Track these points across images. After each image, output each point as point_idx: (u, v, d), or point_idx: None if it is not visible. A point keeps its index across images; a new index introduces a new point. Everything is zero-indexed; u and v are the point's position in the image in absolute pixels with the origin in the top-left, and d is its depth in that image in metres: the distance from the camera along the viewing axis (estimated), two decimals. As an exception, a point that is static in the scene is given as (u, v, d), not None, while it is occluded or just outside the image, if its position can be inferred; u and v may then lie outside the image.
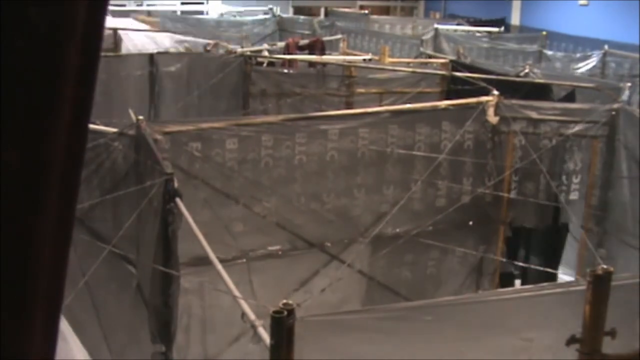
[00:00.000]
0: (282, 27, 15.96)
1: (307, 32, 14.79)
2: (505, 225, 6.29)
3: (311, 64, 9.39)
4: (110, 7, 16.18)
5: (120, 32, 10.21)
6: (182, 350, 4.83)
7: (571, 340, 2.90)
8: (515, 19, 20.92)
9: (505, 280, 6.43)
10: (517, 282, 6.60)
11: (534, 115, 6.11)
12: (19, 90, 0.78)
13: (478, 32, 15.43)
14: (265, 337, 2.83)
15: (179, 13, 18.80)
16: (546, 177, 6.04)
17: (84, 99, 0.84)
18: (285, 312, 2.61)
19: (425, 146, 5.96)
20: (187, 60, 8.87)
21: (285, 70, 9.37)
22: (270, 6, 16.95)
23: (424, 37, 13.44)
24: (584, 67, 11.61)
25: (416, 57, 11.48)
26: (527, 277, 6.51)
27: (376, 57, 10.02)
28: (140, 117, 4.75)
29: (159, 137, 4.72)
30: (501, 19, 19.27)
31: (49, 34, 0.78)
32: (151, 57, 8.61)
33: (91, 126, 5.08)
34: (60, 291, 0.89)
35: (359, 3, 24.72)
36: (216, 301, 4.88)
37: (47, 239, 0.83)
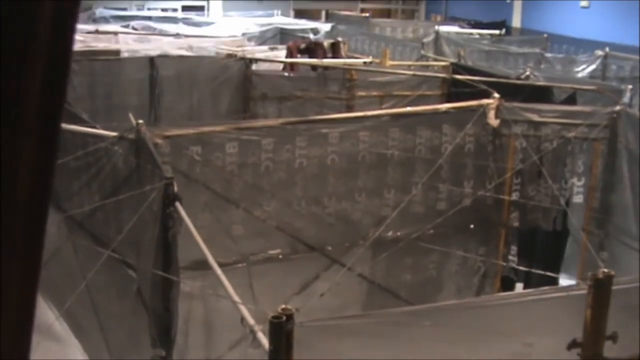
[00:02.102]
0: (283, 30, 15.94)
1: (308, 35, 14.78)
2: (510, 228, 6.27)
3: (312, 67, 9.38)
4: (114, 12, 16.07)
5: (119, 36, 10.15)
6: (182, 355, 4.81)
7: (572, 345, 2.89)
8: (516, 22, 20.92)
9: (507, 284, 6.41)
10: (519, 285, 6.57)
11: (535, 117, 6.10)
12: None
13: (479, 34, 15.43)
14: (265, 342, 2.82)
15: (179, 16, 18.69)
16: (547, 180, 6.02)
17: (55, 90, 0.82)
18: (284, 317, 2.60)
19: (425, 149, 5.94)
20: (188, 63, 8.86)
21: (286, 74, 9.36)
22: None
23: (425, 40, 13.44)
24: (585, 69, 11.60)
25: (417, 60, 11.48)
26: (529, 281, 6.48)
27: (377, 60, 10.01)
28: (140, 121, 4.74)
29: (159, 141, 4.71)
30: (502, 21, 19.28)
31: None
32: (151, 60, 8.58)
33: (91, 130, 5.09)
34: (33, 293, 0.86)
35: (360, 6, 24.73)
36: (216, 305, 4.86)
37: (18, 234, 0.81)
